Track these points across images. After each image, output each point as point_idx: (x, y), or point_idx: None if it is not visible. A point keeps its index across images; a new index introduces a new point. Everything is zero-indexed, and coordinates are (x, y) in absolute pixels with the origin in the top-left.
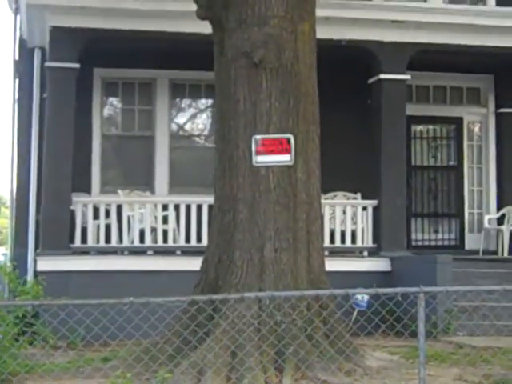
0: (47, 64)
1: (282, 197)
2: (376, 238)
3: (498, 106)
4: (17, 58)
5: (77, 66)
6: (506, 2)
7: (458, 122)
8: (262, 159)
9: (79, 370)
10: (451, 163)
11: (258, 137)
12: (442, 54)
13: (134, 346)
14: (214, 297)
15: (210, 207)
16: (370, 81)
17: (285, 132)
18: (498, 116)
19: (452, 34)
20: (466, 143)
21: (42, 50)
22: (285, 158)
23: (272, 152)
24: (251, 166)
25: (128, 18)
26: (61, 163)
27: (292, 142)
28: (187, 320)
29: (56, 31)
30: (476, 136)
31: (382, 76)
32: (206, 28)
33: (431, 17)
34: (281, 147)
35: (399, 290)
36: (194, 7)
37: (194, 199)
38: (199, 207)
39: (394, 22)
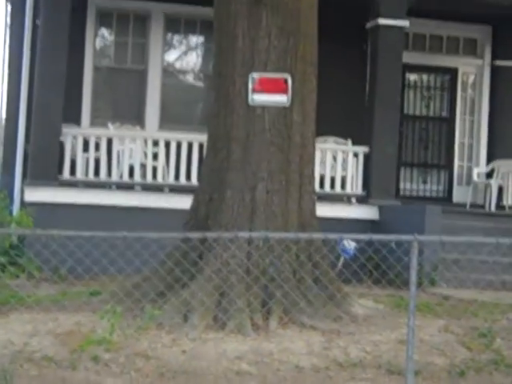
0: None
1: (276, 138)
2: (365, 185)
3: (494, 58)
4: None
5: None
6: None
7: (453, 72)
8: (258, 98)
9: (68, 303)
10: (443, 114)
11: (255, 75)
12: (440, 2)
13: (124, 281)
14: (208, 234)
15: (201, 146)
16: (368, 25)
17: (282, 71)
18: (494, 68)
19: None
20: (459, 94)
21: None
22: (281, 99)
23: (269, 91)
24: (247, 105)
25: None
26: (52, 93)
27: (289, 82)
28: (179, 256)
29: None
30: (470, 88)
31: (380, 21)
32: None
33: None
34: (278, 87)
35: (393, 237)
36: None
37: (185, 136)
38: (190, 145)
39: None
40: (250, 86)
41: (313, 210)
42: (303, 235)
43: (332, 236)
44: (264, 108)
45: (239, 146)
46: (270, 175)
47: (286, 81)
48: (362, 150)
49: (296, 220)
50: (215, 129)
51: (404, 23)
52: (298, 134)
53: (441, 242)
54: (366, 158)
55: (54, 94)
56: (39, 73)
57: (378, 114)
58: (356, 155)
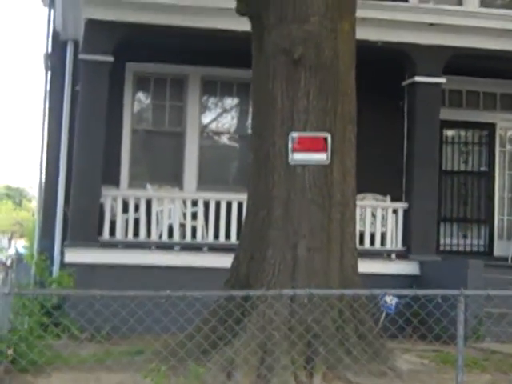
0: (81, 56)
1: (317, 196)
2: (405, 241)
3: None
4: (49, 50)
5: (111, 59)
6: None
7: (491, 127)
8: (298, 157)
9: (111, 362)
10: (482, 169)
11: (295, 134)
12: (476, 59)
13: (168, 340)
14: (252, 292)
15: (240, 205)
16: (404, 83)
17: (322, 130)
18: None
19: (487, 38)
20: (497, 149)
21: (75, 42)
22: (321, 157)
23: (308, 150)
24: (287, 164)
25: (164, 13)
26: (91, 156)
27: (329, 140)
28: (223, 314)
29: (91, 24)
30: (508, 142)
31: (417, 78)
32: (241, 25)
33: (467, 20)
34: (317, 146)
35: (439, 292)
36: (231, 3)
37: (223, 196)
38: (229, 204)
39: (430, 24)
40: (290, 146)
41: (355, 267)
42: (348, 291)
43: (377, 292)
44: (304, 167)
45: (280, 204)
46: (311, 233)
47: (325, 139)
48: (401, 206)
49: (338, 277)
50: (255, 188)
51: (440, 80)
52: (339, 191)
53: (486, 296)
54: (406, 213)
55: (94, 157)
56: (79, 136)
57: (417, 170)
58: (395, 211)
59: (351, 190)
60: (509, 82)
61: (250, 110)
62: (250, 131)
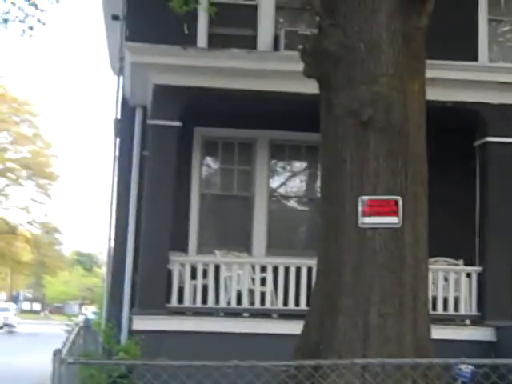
0: (149, 122)
1: (388, 260)
2: (480, 306)
3: None
4: (119, 116)
5: (179, 124)
6: None
7: None
8: (368, 221)
9: None
10: None
11: (365, 197)
12: None
13: None
14: (323, 362)
15: (309, 270)
16: (476, 143)
17: (392, 193)
18: None
19: None
20: None
21: (143, 108)
22: (392, 220)
23: (379, 213)
24: (357, 228)
25: (231, 77)
26: (159, 221)
27: (400, 203)
28: None
29: (159, 89)
30: None
31: (489, 139)
32: (308, 88)
33: None
34: (388, 209)
35: None
36: (296, 67)
37: (292, 261)
38: (298, 270)
39: (502, 83)
40: (360, 209)
41: (428, 334)
42: (422, 361)
43: (453, 361)
44: (375, 230)
45: (350, 269)
46: (383, 299)
47: (396, 202)
48: (475, 269)
49: (411, 344)
50: (325, 253)
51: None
52: (411, 255)
53: None
54: (480, 277)
55: (162, 223)
56: (147, 202)
57: (491, 233)
58: (469, 275)
59: (423, 254)
60: None
61: (319, 173)
62: (318, 195)
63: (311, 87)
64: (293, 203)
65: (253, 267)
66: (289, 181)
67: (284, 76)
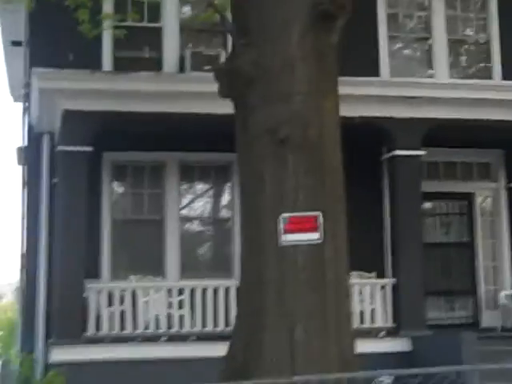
0: (59, 148)
1: (311, 277)
2: (395, 317)
3: (509, 181)
4: (25, 144)
5: (89, 149)
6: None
7: (470, 197)
8: (289, 238)
9: None
10: (464, 239)
11: (285, 215)
12: (451, 130)
13: None
14: (246, 383)
15: (227, 290)
16: (384, 157)
17: (312, 209)
18: (510, 190)
19: (461, 109)
20: (478, 218)
21: (51, 134)
22: (313, 236)
23: (300, 230)
24: (279, 246)
25: (140, 100)
26: (73, 249)
27: (320, 219)
28: None
29: (68, 115)
30: (488, 211)
31: (396, 152)
32: (217, 108)
33: (440, 92)
34: (309, 225)
35: (438, 369)
36: (204, 87)
37: (209, 283)
38: (215, 291)
39: (405, 97)
40: (281, 227)
41: (352, 348)
42: (347, 375)
43: (376, 373)
44: (296, 247)
45: (273, 287)
46: (307, 315)
47: (316, 219)
48: (389, 281)
49: (337, 359)
50: (247, 272)
51: (420, 153)
52: (332, 271)
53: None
54: (394, 289)
55: (76, 251)
56: (59, 231)
57: (402, 244)
58: (383, 287)
59: (344, 269)
60: (485, 150)
61: (230, 192)
62: (230, 215)
63: (220, 107)
64: (205, 225)
65: (169, 291)
66: (199, 202)
67: (192, 97)
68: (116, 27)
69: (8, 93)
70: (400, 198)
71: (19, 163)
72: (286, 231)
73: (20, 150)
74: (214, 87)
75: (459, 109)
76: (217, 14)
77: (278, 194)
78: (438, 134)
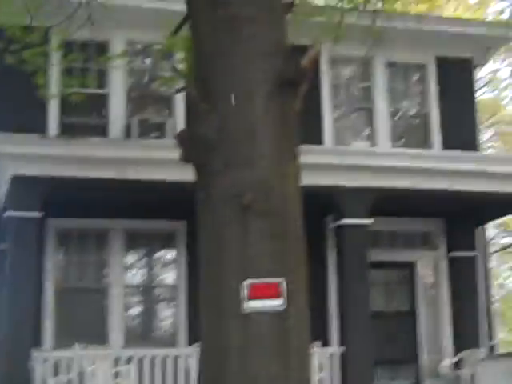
0: (8, 213)
1: (274, 344)
2: None
3: (449, 249)
4: None
5: (38, 215)
6: (451, 145)
7: (410, 265)
8: (253, 305)
9: None
10: (405, 308)
11: (249, 281)
12: (393, 199)
13: None
14: None
15: (175, 359)
16: (331, 226)
17: (276, 276)
18: (450, 259)
19: (403, 178)
20: (419, 287)
21: None
22: (277, 303)
23: (263, 297)
24: (241, 313)
25: (88, 165)
26: (20, 319)
27: (283, 285)
28: None
29: (17, 179)
30: (428, 280)
31: (343, 221)
32: (166, 175)
33: (384, 161)
34: (272, 291)
35: None
36: (154, 154)
37: (159, 351)
38: (164, 360)
39: (353, 166)
40: (244, 294)
41: None
42: None
43: None
44: (260, 314)
45: (236, 355)
46: (270, 383)
47: (279, 285)
48: (337, 350)
49: None
50: (208, 339)
51: (367, 221)
52: (295, 338)
53: None
54: (343, 358)
55: (22, 320)
56: (7, 300)
57: (350, 313)
58: (331, 356)
59: (307, 336)
60: (426, 220)
61: (174, 259)
62: (172, 282)
63: (167, 174)
64: (151, 292)
65: (116, 360)
66: (146, 270)
67: (141, 163)
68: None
69: None
70: (348, 267)
71: None
72: (250, 297)
73: None
74: (161, 154)
75: (402, 178)
76: (178, 78)
77: (240, 261)
78: (381, 203)
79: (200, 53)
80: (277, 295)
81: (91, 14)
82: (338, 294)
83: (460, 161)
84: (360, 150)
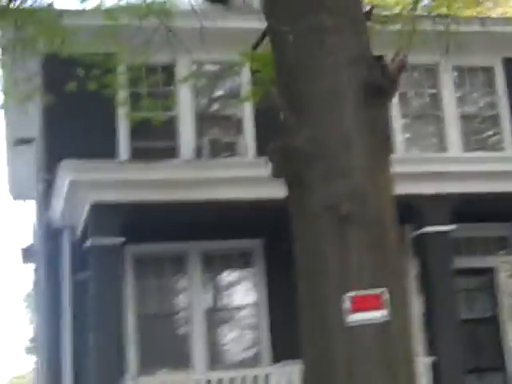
0: (91, 241)
1: (380, 355)
2: None
3: None
4: (33, 242)
5: (120, 240)
6: None
7: (491, 271)
8: (356, 317)
9: None
10: (488, 314)
11: (351, 294)
12: (470, 204)
13: None
14: None
15: (255, 379)
16: (412, 235)
17: (377, 286)
18: None
19: (480, 183)
20: (501, 293)
21: (71, 229)
22: (380, 314)
23: (366, 309)
24: (345, 326)
25: (169, 189)
26: (108, 347)
27: (386, 296)
28: None
29: (97, 207)
30: (510, 284)
31: (427, 229)
32: (245, 193)
33: (463, 166)
34: (375, 303)
35: None
36: (226, 173)
37: (237, 373)
38: (244, 381)
39: (431, 173)
40: (346, 306)
41: None
42: None
43: None
44: (364, 326)
45: (343, 368)
46: None
47: (382, 295)
48: (428, 360)
49: None
50: (312, 356)
51: (450, 228)
52: (400, 349)
53: None
54: (434, 368)
55: (111, 348)
56: (94, 330)
57: (438, 322)
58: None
59: (411, 346)
60: (502, 224)
61: (252, 278)
62: (252, 301)
63: (247, 192)
64: (234, 313)
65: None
66: (226, 291)
67: (211, 184)
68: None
69: (7, 191)
70: (433, 275)
71: (25, 262)
72: (353, 310)
73: (26, 248)
74: (233, 172)
75: (479, 182)
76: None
77: (341, 273)
78: (458, 209)
79: (282, 65)
80: (379, 306)
81: (168, 37)
82: (425, 303)
83: None
84: (434, 157)
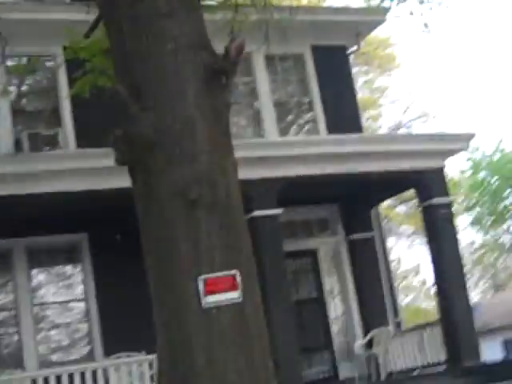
0: None
1: (237, 335)
2: None
3: (347, 233)
4: None
5: None
6: (336, 130)
7: (313, 253)
8: (211, 299)
9: None
10: (313, 295)
11: (204, 276)
12: (291, 187)
13: None
14: None
15: (94, 373)
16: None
17: (229, 268)
18: (350, 243)
19: (292, 166)
20: (323, 273)
21: None
22: (234, 295)
23: (220, 290)
24: (200, 309)
25: None
26: None
27: (238, 277)
28: None
29: None
30: (332, 265)
31: (256, 213)
32: (68, 186)
33: (288, 150)
34: (228, 284)
35: None
36: (49, 166)
37: (79, 366)
38: (82, 375)
39: (256, 158)
40: (201, 289)
41: None
42: None
43: None
44: (219, 308)
45: (201, 352)
46: (238, 375)
47: (234, 277)
48: None
49: None
50: (169, 341)
51: (278, 211)
52: (254, 327)
53: None
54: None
55: None
56: None
57: (271, 304)
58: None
59: (264, 325)
60: (320, 206)
61: (82, 272)
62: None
63: (71, 185)
64: (61, 307)
65: (34, 382)
66: (53, 286)
67: (41, 177)
68: None
69: None
70: (265, 259)
71: None
72: (207, 292)
73: None
74: (55, 165)
75: (296, 166)
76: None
77: (193, 256)
78: (281, 192)
79: (121, 53)
80: (233, 287)
81: None
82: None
83: (346, 143)
84: (252, 143)
